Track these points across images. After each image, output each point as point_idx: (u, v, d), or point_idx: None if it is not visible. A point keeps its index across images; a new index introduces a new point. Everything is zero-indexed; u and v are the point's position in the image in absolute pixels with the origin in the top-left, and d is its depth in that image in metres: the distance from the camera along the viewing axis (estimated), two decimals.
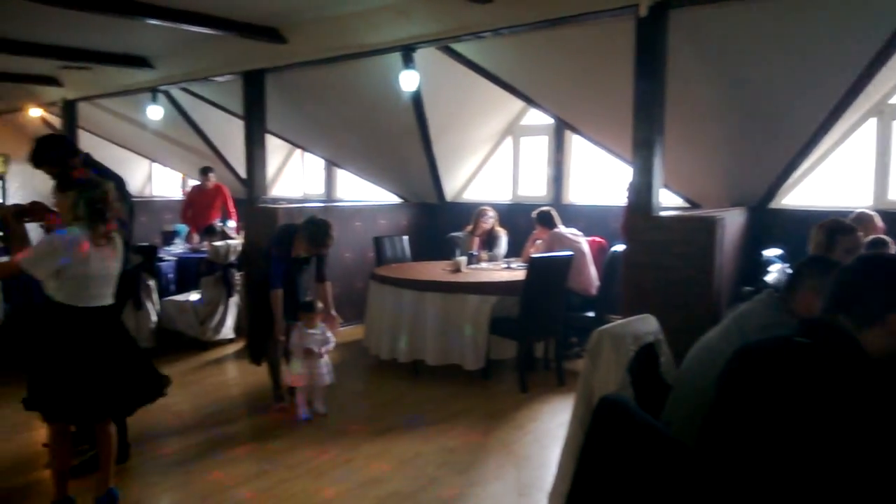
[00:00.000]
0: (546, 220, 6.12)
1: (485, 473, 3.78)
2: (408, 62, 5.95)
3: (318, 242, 4.67)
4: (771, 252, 4.98)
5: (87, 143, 10.13)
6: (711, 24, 4.82)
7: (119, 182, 3.98)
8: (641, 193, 4.68)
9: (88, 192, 3.07)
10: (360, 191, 9.47)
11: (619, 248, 5.67)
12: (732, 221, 5.21)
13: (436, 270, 6.04)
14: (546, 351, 5.85)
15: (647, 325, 2.47)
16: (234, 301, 6.69)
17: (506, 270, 6.11)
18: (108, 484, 3.23)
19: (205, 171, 8.61)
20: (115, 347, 3.20)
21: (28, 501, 3.47)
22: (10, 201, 10.02)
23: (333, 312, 4.89)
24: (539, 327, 5.42)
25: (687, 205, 6.70)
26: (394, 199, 8.79)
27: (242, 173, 9.36)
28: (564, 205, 7.41)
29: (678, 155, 5.54)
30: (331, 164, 9.60)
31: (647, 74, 4.56)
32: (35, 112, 10.35)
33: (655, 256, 4.58)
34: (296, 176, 10.51)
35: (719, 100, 5.43)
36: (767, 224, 6.05)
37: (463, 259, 6.13)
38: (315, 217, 4.80)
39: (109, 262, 3.16)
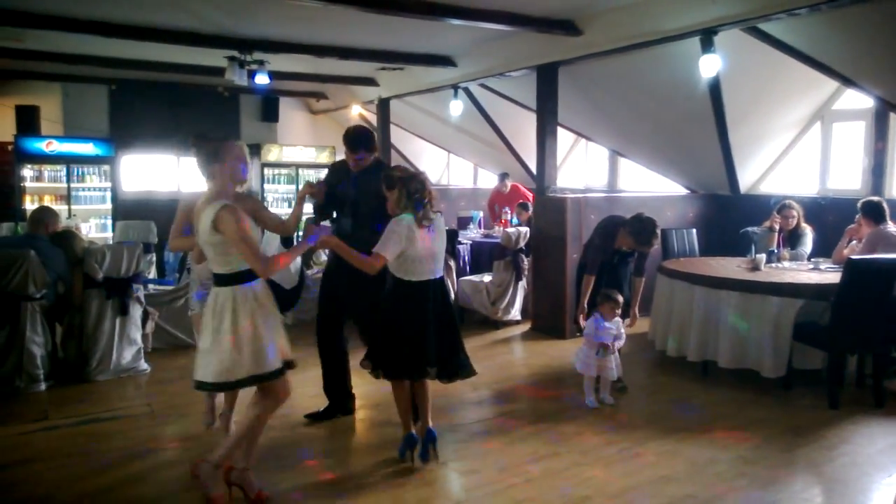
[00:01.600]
0: (873, 213, 5.37)
1: (789, 493, 3.50)
2: (707, 46, 5.66)
3: (642, 241, 4.75)
4: None
5: (396, 135, 11.41)
6: None
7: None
8: None
9: (409, 185, 3.54)
10: (643, 181, 9.26)
11: None
12: None
13: (730, 267, 5.69)
14: (860, 365, 5.18)
15: None
16: (522, 285, 7.05)
17: (813, 272, 5.53)
18: (429, 423, 3.80)
19: (503, 177, 9.40)
20: (443, 315, 3.68)
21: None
22: None
23: (636, 309, 4.94)
24: (855, 338, 4.81)
25: None
26: (680, 190, 8.44)
27: (529, 163, 9.79)
28: (887, 200, 6.43)
29: None
30: (615, 153, 9.52)
31: None
32: (355, 109, 11.91)
33: None
34: (578, 166, 10.62)
35: None
36: None
37: (762, 257, 5.69)
38: (642, 215, 4.86)
39: (433, 243, 3.60)
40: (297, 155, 11.95)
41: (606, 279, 4.90)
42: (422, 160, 12.92)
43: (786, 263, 5.87)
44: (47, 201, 9.52)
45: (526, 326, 7.09)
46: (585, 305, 4.85)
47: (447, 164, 13.42)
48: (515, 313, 7.10)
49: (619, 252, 4.95)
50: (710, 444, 4.05)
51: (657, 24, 5.90)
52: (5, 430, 4.27)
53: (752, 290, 5.05)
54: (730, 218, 7.62)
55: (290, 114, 13.06)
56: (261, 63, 8.19)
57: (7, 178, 9.94)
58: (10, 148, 9.90)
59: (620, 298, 4.73)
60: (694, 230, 7.08)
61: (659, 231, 4.76)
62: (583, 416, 4.56)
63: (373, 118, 11.88)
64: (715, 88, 6.47)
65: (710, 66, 5.68)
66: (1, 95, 10.55)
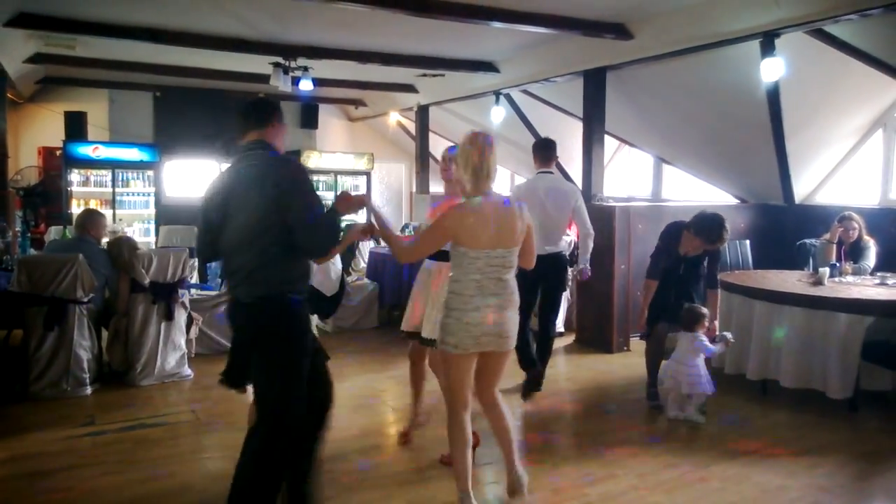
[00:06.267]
0: None
1: None
2: (769, 49, 5.44)
3: (713, 237, 4.58)
4: None
5: (433, 142, 11.32)
6: None
7: None
8: None
9: None
10: (688, 190, 9.01)
11: None
12: None
13: (791, 281, 5.43)
14: None
15: None
16: (565, 295, 6.85)
17: (881, 286, 5.25)
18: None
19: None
20: None
21: None
22: (374, 193, 11.65)
23: (716, 323, 4.75)
24: None
25: None
26: (729, 199, 8.17)
27: (571, 172, 9.60)
28: None
29: None
30: (661, 161, 9.28)
31: None
32: (393, 116, 11.85)
33: None
34: (621, 174, 10.39)
35: None
36: None
37: (825, 270, 5.42)
38: (706, 211, 4.72)
39: None
40: (335, 162, 12.05)
41: (675, 291, 4.71)
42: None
43: (849, 278, 5.59)
44: (93, 205, 9.63)
45: (569, 339, 6.90)
46: (646, 313, 4.67)
47: None
48: (558, 325, 6.91)
49: (685, 259, 4.76)
50: (778, 469, 3.82)
51: (714, 26, 5.70)
52: (53, 433, 4.25)
53: (817, 306, 4.80)
54: (784, 229, 7.33)
55: (329, 121, 13.07)
56: (305, 69, 8.18)
57: (56, 183, 10.11)
58: (58, 153, 10.07)
59: (705, 310, 4.61)
60: (747, 241, 6.83)
61: (728, 225, 4.55)
62: (636, 436, 4.36)
63: (410, 125, 11.82)
64: (773, 93, 6.22)
65: (772, 70, 5.46)
66: (51, 101, 10.76)
